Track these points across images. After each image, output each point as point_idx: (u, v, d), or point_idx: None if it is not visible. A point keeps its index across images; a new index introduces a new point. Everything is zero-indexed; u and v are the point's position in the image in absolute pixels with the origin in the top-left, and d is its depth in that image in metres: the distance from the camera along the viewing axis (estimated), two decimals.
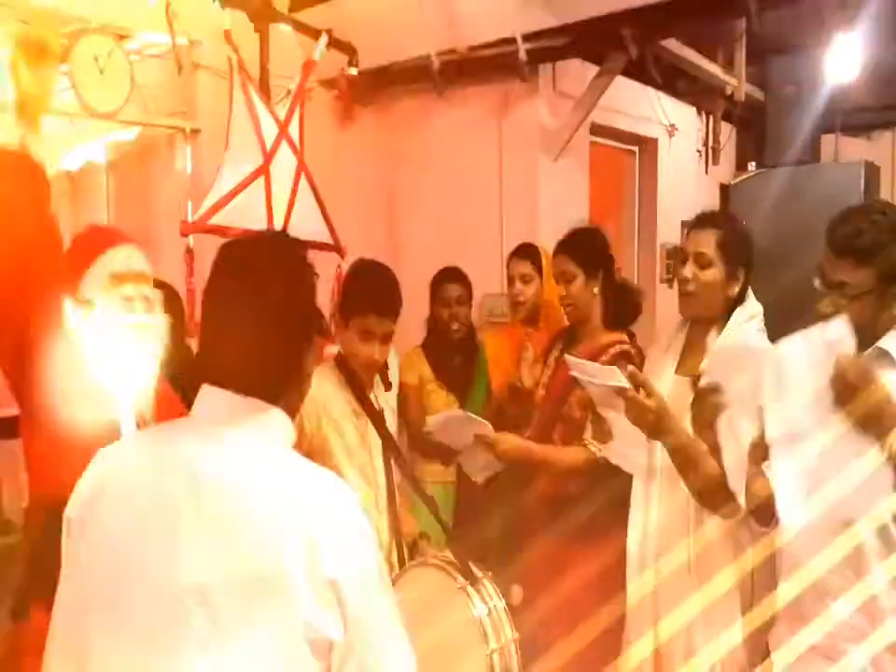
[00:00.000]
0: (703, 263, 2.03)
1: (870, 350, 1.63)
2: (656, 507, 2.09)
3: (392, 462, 2.37)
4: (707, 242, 2.04)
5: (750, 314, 2.06)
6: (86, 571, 1.06)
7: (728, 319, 2.06)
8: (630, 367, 1.94)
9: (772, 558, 1.83)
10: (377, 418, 2.33)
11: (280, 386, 1.10)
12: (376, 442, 2.34)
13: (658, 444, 1.97)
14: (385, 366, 2.43)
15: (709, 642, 1.96)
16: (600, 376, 1.93)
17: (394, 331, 2.26)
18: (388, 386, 2.44)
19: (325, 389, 2.29)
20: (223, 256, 1.12)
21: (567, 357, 2.19)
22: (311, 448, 2.27)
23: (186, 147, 3.66)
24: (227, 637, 0.98)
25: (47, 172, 1.61)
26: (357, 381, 2.32)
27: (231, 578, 0.98)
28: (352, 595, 1.00)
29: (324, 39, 2.79)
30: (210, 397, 1.09)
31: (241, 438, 1.06)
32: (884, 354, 1.62)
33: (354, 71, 3.43)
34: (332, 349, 2.39)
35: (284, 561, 0.98)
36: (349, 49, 3.36)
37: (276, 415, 1.09)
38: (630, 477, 2.19)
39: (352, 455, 2.29)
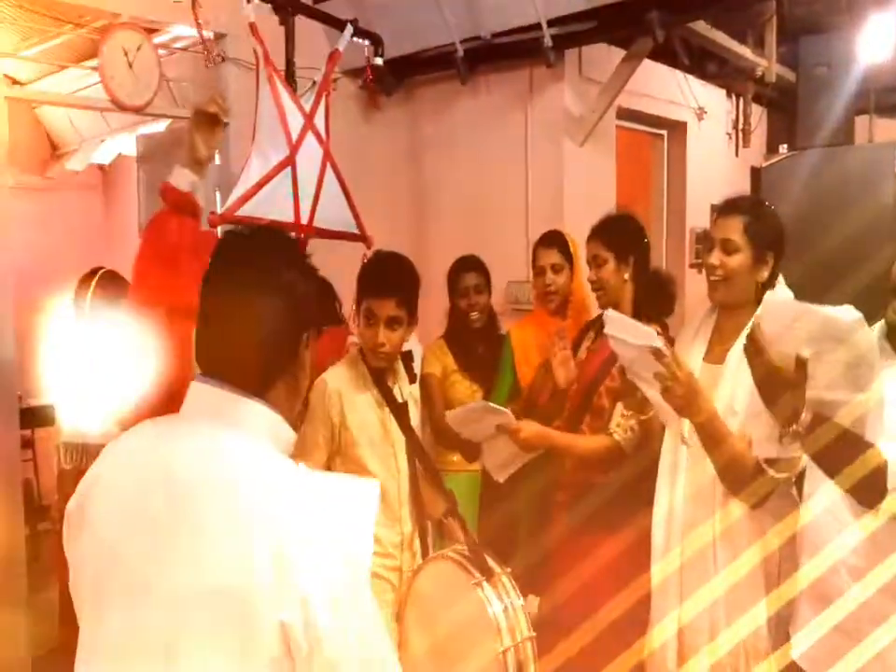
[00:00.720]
0: (729, 250, 2.01)
1: None
2: (682, 487, 2.08)
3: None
4: (734, 228, 2.01)
5: (781, 295, 2.04)
6: (78, 565, 1.06)
7: (758, 304, 2.04)
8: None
9: (795, 538, 1.83)
10: (399, 410, 2.35)
11: (268, 380, 1.06)
12: (399, 433, 2.36)
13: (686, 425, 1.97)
14: (410, 357, 2.44)
15: (733, 622, 1.95)
16: (638, 335, 1.86)
17: (403, 317, 2.25)
18: (413, 378, 2.45)
19: (348, 380, 2.32)
20: (220, 247, 1.12)
21: (605, 311, 2.15)
22: (337, 438, 2.30)
23: None
24: (192, 647, 0.95)
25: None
26: (379, 372, 2.34)
27: (199, 586, 0.95)
28: (323, 614, 0.93)
29: (349, 29, 2.78)
30: (196, 390, 1.07)
31: (218, 434, 1.03)
32: None
33: (379, 60, 3.43)
34: (355, 339, 2.42)
35: (251, 572, 0.93)
36: (375, 39, 3.36)
37: (259, 411, 1.05)
38: (655, 464, 2.19)
39: (375, 445, 2.31)
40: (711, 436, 1.86)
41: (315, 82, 2.56)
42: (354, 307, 2.36)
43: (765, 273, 2.02)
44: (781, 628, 1.92)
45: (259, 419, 1.05)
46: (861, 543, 1.65)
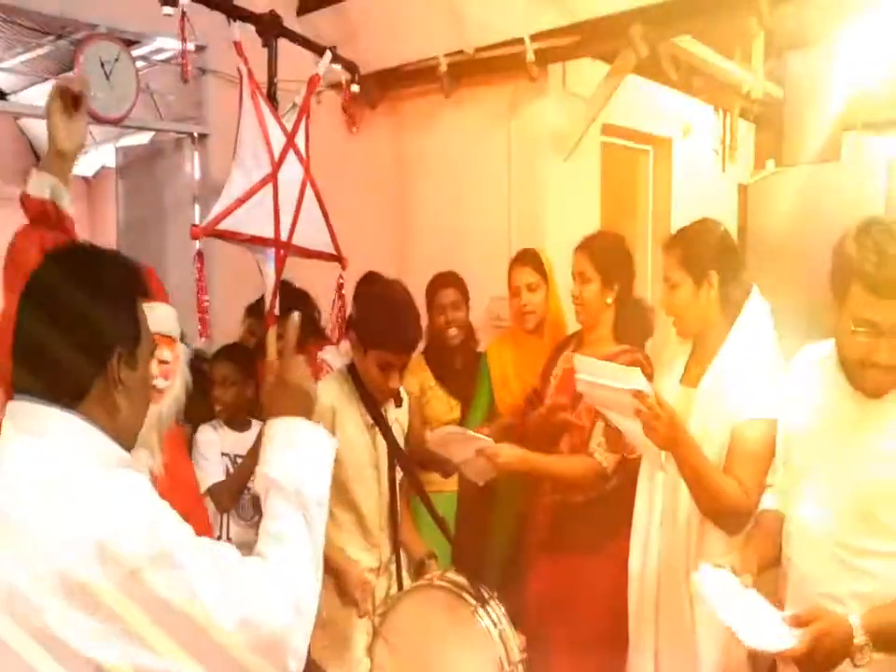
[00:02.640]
0: (673, 285, 2.04)
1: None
2: (658, 513, 2.04)
3: (398, 478, 2.34)
4: (671, 265, 2.03)
5: (755, 316, 2.01)
6: None
7: (730, 320, 2.01)
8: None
9: (775, 579, 1.77)
10: (388, 433, 2.29)
11: (77, 395, 1.10)
12: (384, 457, 2.30)
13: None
14: None
15: (711, 651, 1.91)
16: (615, 378, 1.78)
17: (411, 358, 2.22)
18: (399, 402, 2.39)
19: (340, 397, 2.26)
20: (35, 270, 1.15)
21: (574, 355, 2.11)
22: None
23: (194, 151, 3.67)
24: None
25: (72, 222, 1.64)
26: (369, 394, 2.28)
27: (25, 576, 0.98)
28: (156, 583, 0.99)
29: (328, 56, 2.80)
30: (11, 407, 1.11)
31: (28, 443, 1.07)
32: None
33: (356, 88, 3.45)
34: (326, 355, 2.37)
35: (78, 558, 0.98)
36: (351, 67, 3.37)
37: (65, 420, 1.09)
38: (634, 485, 2.15)
39: (360, 466, 2.25)
40: (691, 466, 1.82)
41: (294, 104, 2.55)
42: (352, 336, 2.24)
43: (713, 293, 2.00)
44: (765, 662, 1.88)
45: (67, 428, 1.08)
46: (847, 573, 1.60)
